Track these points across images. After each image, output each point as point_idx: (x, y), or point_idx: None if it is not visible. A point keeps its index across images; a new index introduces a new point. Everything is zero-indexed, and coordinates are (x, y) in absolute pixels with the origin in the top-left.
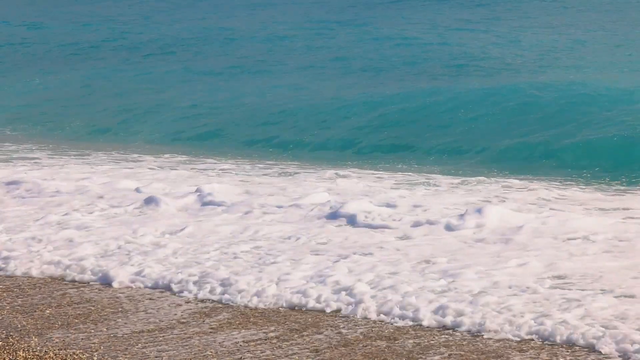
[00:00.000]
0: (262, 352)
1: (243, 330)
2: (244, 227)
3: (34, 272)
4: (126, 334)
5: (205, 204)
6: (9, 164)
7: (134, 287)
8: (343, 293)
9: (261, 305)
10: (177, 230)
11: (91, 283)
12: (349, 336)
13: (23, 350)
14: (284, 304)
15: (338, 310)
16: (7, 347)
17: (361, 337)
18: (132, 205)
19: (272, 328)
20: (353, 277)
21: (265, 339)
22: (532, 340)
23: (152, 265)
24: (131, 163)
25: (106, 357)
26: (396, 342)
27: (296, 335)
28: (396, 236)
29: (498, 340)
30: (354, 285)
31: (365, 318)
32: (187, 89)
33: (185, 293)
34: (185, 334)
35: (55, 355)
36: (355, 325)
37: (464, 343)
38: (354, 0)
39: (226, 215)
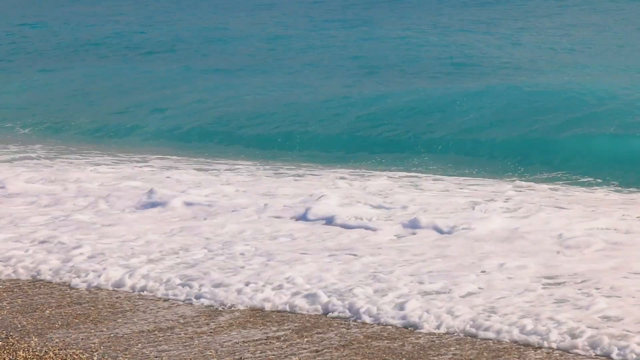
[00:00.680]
0: (262, 353)
1: (243, 331)
2: (241, 228)
3: (25, 275)
4: (126, 334)
5: (207, 205)
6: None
7: (133, 287)
8: (343, 294)
9: (260, 307)
10: (176, 231)
11: (90, 284)
12: (350, 337)
13: (23, 350)
14: (285, 307)
15: (338, 312)
16: (7, 347)
17: (361, 337)
18: (131, 205)
19: (273, 329)
20: (353, 278)
21: (266, 340)
22: (533, 344)
23: (152, 265)
24: (134, 162)
25: (106, 357)
26: (396, 342)
27: (296, 336)
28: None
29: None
30: (353, 287)
31: (365, 319)
32: (187, 88)
33: (185, 294)
34: (185, 334)
35: (55, 355)
36: (356, 326)
37: (466, 344)
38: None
39: (225, 216)
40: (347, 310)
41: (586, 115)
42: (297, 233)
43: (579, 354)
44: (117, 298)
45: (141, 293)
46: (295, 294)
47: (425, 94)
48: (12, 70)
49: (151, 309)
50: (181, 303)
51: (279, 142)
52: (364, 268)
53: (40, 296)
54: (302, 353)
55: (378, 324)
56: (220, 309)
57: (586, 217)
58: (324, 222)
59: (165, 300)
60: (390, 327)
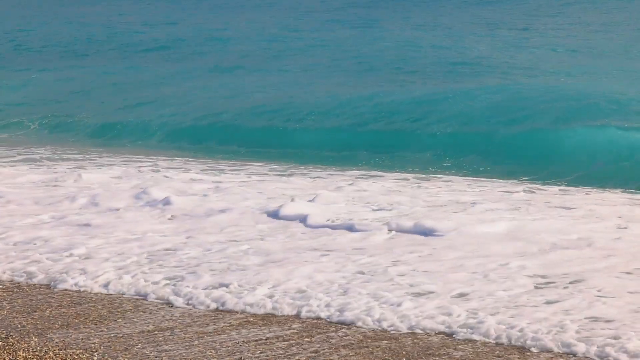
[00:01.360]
0: (262, 353)
1: (243, 331)
2: (235, 228)
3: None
4: (126, 334)
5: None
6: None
7: (133, 289)
8: (342, 295)
9: (259, 311)
10: (171, 231)
11: (83, 286)
12: (350, 337)
13: (23, 350)
14: (284, 309)
15: (338, 313)
16: (7, 347)
17: (361, 337)
18: (127, 206)
19: (273, 329)
20: (349, 279)
21: (266, 340)
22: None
23: (151, 267)
24: (129, 162)
25: (106, 357)
26: (397, 342)
27: (296, 337)
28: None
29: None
30: (352, 288)
31: (365, 320)
32: (185, 87)
33: (184, 296)
34: (185, 334)
35: (55, 355)
36: (356, 327)
37: (466, 347)
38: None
39: (221, 217)
40: (347, 311)
41: (577, 113)
42: (291, 234)
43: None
44: (117, 298)
45: (141, 294)
46: (294, 295)
47: (421, 94)
48: (12, 69)
49: (151, 310)
50: (181, 304)
51: (277, 141)
52: (360, 269)
53: (40, 296)
54: (302, 353)
55: (378, 325)
56: (220, 309)
57: (584, 218)
58: (324, 223)
59: (165, 301)
60: (391, 328)
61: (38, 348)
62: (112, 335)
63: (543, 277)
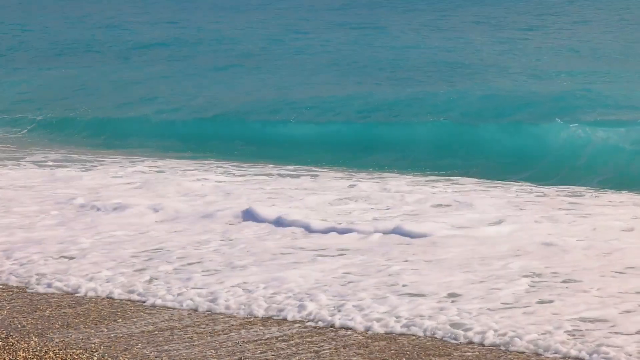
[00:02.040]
0: (262, 353)
1: (243, 331)
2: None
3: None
4: (126, 335)
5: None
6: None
7: (133, 290)
8: (340, 296)
9: (258, 311)
10: (176, 234)
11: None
12: (349, 337)
13: (23, 350)
14: (284, 312)
15: (338, 314)
16: (7, 347)
17: (361, 338)
18: (126, 207)
19: (272, 329)
20: (351, 280)
21: (266, 340)
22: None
23: (151, 268)
24: (136, 163)
25: (106, 357)
26: (397, 343)
27: (297, 337)
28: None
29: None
30: (354, 289)
31: (365, 320)
32: (179, 87)
33: (184, 296)
34: (185, 334)
35: (55, 355)
36: (356, 327)
37: (466, 347)
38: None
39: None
40: (347, 312)
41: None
42: (283, 235)
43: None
44: (117, 299)
45: (141, 294)
46: (292, 296)
47: (413, 95)
48: (10, 67)
49: (151, 310)
50: (181, 304)
51: (263, 141)
52: (357, 270)
53: (40, 296)
54: (302, 353)
55: (378, 326)
56: (219, 309)
57: (575, 219)
58: (319, 225)
59: (165, 301)
60: (391, 329)
61: (38, 348)
62: (112, 335)
63: (537, 276)
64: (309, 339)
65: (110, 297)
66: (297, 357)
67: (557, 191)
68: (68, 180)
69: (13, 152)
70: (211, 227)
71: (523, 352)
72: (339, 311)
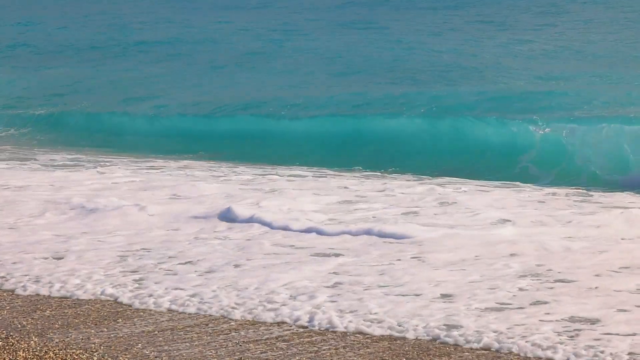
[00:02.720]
0: (262, 353)
1: (243, 331)
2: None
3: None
4: (126, 335)
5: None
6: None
7: (133, 291)
8: (344, 297)
9: (256, 312)
10: (175, 235)
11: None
12: (350, 338)
13: (23, 350)
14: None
15: (338, 315)
16: (7, 347)
17: (361, 338)
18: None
19: (272, 329)
20: (348, 281)
21: (266, 340)
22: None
23: (151, 269)
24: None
25: (106, 357)
26: (396, 343)
27: (296, 337)
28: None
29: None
30: (353, 290)
31: (365, 321)
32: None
33: (184, 297)
34: (185, 334)
35: (55, 355)
36: (355, 328)
37: (466, 349)
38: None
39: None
40: (346, 312)
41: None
42: (273, 234)
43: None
44: (117, 299)
45: (141, 295)
46: (292, 297)
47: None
48: (7, 66)
49: (151, 310)
50: (181, 304)
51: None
52: (352, 270)
53: (40, 296)
54: (302, 354)
55: (378, 326)
56: (218, 312)
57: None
58: (310, 226)
59: (165, 301)
60: (390, 330)
61: (38, 348)
62: (112, 335)
63: (530, 276)
64: (308, 339)
65: (107, 300)
66: (297, 358)
67: (551, 191)
68: (62, 180)
69: (5, 151)
70: (204, 227)
71: (518, 355)
72: (338, 312)
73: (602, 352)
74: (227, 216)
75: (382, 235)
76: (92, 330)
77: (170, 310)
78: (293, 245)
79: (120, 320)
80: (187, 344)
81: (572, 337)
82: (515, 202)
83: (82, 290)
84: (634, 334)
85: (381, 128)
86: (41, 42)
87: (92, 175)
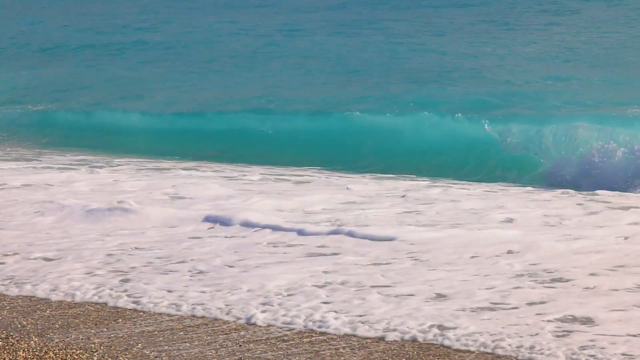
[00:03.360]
0: (262, 353)
1: (242, 331)
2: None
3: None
4: (126, 335)
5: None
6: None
7: (133, 292)
8: (343, 298)
9: (255, 314)
10: (173, 237)
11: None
12: (350, 338)
13: (23, 350)
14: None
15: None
16: (7, 347)
17: (361, 338)
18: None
19: (273, 329)
20: (345, 282)
21: (266, 340)
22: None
23: (151, 270)
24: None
25: (106, 357)
26: (397, 344)
27: (296, 336)
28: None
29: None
30: (350, 292)
31: (365, 322)
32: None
33: (183, 298)
34: (185, 334)
35: (55, 355)
36: (355, 328)
37: (466, 350)
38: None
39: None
40: (345, 313)
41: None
42: (264, 235)
43: None
44: (117, 300)
45: (141, 295)
46: (292, 297)
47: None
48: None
49: (151, 310)
50: (181, 305)
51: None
52: (346, 271)
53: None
54: (302, 354)
55: (378, 327)
56: (218, 312)
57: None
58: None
59: (165, 301)
60: (390, 330)
61: (38, 348)
62: (112, 335)
63: (525, 275)
64: (308, 340)
65: (104, 302)
66: (297, 357)
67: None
68: (63, 180)
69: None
70: (196, 228)
71: (512, 357)
72: (338, 312)
73: (596, 353)
74: (215, 218)
75: (376, 237)
76: (92, 330)
77: (169, 311)
78: (291, 245)
79: (120, 320)
80: (187, 344)
81: (566, 337)
82: (513, 201)
83: (80, 292)
84: (631, 335)
85: (352, 125)
86: (39, 42)
87: (89, 176)
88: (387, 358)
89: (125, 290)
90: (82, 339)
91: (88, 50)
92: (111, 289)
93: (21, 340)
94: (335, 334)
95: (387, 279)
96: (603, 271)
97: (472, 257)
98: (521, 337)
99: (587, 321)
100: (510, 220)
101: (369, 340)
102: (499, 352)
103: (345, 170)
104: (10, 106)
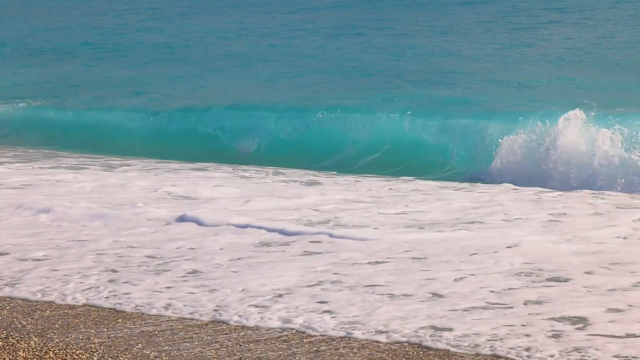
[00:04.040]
0: (262, 353)
1: (242, 331)
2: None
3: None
4: (126, 335)
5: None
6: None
7: (133, 294)
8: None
9: (261, 324)
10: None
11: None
12: (350, 339)
13: (23, 350)
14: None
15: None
16: (7, 347)
17: (361, 339)
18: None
19: (273, 330)
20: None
21: (266, 340)
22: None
23: (150, 272)
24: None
25: (106, 357)
26: (397, 344)
27: (296, 336)
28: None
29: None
30: (348, 292)
31: (364, 322)
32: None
33: (184, 299)
34: (185, 334)
35: (55, 355)
36: (355, 329)
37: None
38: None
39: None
40: (345, 313)
41: None
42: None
43: None
44: (117, 300)
45: (141, 295)
46: (291, 298)
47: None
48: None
49: (151, 310)
50: (181, 304)
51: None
52: (337, 271)
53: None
54: (302, 354)
55: (377, 327)
56: (218, 312)
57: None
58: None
59: (164, 301)
60: (390, 331)
61: (38, 348)
62: (112, 335)
63: (520, 274)
64: (308, 340)
65: (111, 298)
66: (297, 357)
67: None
68: (64, 181)
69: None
70: (188, 228)
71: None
72: (338, 312)
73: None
74: (190, 218)
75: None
76: (92, 330)
77: (168, 312)
78: (286, 244)
79: (120, 320)
80: (187, 344)
81: (561, 337)
82: (510, 201)
83: (72, 297)
84: (626, 335)
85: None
86: (38, 42)
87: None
88: (387, 358)
89: (128, 294)
90: (82, 339)
91: (88, 49)
92: (106, 290)
93: (21, 340)
94: (335, 334)
95: (386, 279)
96: (599, 270)
97: (469, 257)
98: (518, 337)
99: (583, 321)
100: (509, 220)
101: (369, 341)
102: (499, 352)
103: (340, 171)
104: (9, 104)
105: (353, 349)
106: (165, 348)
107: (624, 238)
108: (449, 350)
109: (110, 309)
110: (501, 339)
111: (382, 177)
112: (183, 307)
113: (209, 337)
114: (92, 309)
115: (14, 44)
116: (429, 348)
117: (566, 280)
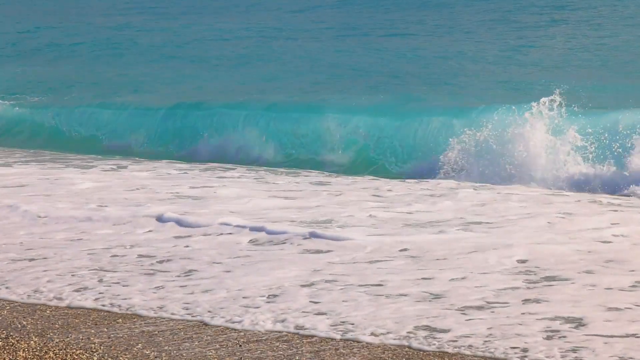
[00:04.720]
0: (262, 353)
1: (242, 331)
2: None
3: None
4: (126, 335)
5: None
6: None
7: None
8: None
9: (255, 314)
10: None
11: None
12: (350, 339)
13: (23, 350)
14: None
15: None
16: (7, 347)
17: (361, 339)
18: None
19: (273, 330)
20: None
21: (266, 340)
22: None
23: (150, 272)
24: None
25: (106, 357)
26: (397, 345)
27: (296, 337)
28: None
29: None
30: (346, 293)
31: (364, 323)
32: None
33: (184, 300)
34: (185, 334)
35: (55, 355)
36: (355, 329)
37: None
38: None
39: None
40: (345, 313)
41: None
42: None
43: None
44: (117, 300)
45: (140, 296)
46: (290, 297)
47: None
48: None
49: (151, 311)
50: (181, 303)
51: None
52: (335, 271)
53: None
54: (302, 354)
55: (377, 328)
56: (217, 313)
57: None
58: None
59: (164, 301)
60: (390, 331)
61: (38, 348)
62: (112, 335)
63: (519, 274)
64: (309, 340)
65: (111, 298)
66: (297, 358)
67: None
68: (64, 181)
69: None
70: (181, 228)
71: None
72: (336, 313)
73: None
74: (170, 218)
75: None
76: (92, 330)
77: (169, 311)
78: (284, 244)
79: (120, 320)
80: (187, 344)
81: (558, 337)
82: (506, 201)
83: (69, 299)
84: (625, 335)
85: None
86: (39, 41)
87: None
88: (387, 358)
89: (127, 294)
90: (82, 339)
91: (87, 50)
92: (107, 290)
93: (21, 340)
94: (335, 335)
95: (382, 279)
96: (597, 269)
97: (466, 256)
98: (515, 338)
99: (580, 321)
100: (507, 219)
101: (369, 342)
102: (497, 354)
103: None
104: (7, 103)
105: (353, 349)
106: (165, 348)
107: (624, 236)
108: (447, 351)
109: (108, 311)
110: (498, 339)
111: (373, 177)
112: (183, 307)
113: (209, 337)
114: (92, 309)
115: (14, 44)
116: (424, 350)
117: (564, 280)
